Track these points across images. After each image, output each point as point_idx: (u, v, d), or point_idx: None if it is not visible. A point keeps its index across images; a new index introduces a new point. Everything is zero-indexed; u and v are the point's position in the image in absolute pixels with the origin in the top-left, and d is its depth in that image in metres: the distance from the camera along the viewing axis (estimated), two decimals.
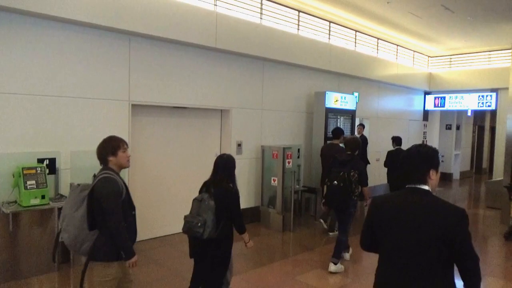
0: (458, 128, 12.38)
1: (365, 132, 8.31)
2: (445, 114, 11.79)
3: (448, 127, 12.11)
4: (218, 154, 5.75)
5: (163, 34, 4.84)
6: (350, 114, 7.27)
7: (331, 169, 4.58)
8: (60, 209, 3.80)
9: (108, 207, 2.39)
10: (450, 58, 10.49)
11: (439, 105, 10.64)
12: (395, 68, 9.24)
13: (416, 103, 10.69)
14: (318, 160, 6.69)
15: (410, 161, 1.77)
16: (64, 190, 4.26)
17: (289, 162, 5.92)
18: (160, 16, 4.76)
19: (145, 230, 5.26)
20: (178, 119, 5.56)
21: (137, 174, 5.12)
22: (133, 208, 2.60)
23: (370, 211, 1.89)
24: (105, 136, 2.57)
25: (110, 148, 2.56)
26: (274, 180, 5.96)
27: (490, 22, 7.52)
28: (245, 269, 4.32)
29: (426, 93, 10.90)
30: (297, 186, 6.33)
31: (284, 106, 6.77)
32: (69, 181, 4.28)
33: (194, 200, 3.01)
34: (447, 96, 10.45)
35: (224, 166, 3.06)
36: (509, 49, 8.61)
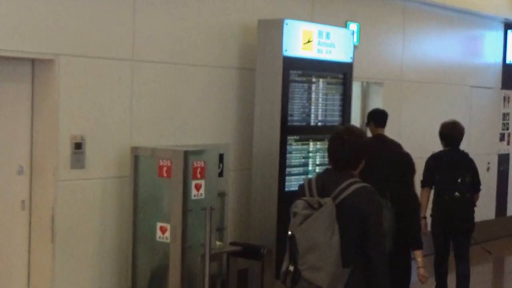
0: None
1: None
2: None
3: None
4: (23, 169, 6.16)
5: None
6: (341, 73, 7.35)
7: (434, 175, 6.77)
8: None
9: (379, 230, 3.74)
10: None
11: None
12: None
13: (487, 50, 11.10)
14: (271, 178, 6.78)
15: None
16: None
17: (199, 187, 6.06)
18: None
19: None
20: None
21: None
22: None
23: None
24: None
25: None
26: (162, 231, 6.12)
27: None
28: None
29: (509, 26, 11.31)
30: (218, 243, 6.58)
31: (187, 55, 6.78)
32: None
33: None
34: None
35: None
36: None
